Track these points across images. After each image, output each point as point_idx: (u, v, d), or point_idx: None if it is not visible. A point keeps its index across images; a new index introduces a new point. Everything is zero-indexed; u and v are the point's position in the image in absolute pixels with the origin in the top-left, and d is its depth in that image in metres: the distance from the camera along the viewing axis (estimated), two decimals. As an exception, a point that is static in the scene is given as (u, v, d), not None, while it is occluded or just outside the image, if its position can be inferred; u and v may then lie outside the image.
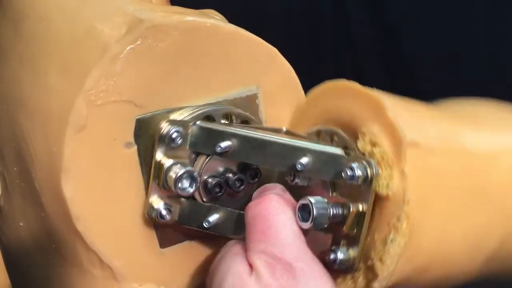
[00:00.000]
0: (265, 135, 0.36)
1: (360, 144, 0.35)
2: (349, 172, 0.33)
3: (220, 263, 0.35)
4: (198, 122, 0.37)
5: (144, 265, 0.38)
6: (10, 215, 0.42)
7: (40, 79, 0.36)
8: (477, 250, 0.36)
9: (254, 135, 0.36)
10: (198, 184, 0.36)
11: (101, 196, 0.36)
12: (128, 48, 0.35)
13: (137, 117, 0.36)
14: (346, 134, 0.36)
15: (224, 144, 0.36)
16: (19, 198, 0.40)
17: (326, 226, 0.33)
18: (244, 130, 0.37)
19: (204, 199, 0.38)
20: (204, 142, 0.37)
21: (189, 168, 0.35)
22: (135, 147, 0.37)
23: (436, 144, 0.35)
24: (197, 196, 0.38)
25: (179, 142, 0.36)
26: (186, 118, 0.37)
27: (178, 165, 0.36)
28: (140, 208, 0.38)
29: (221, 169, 0.38)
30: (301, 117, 0.40)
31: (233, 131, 0.37)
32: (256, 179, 0.39)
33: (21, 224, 0.41)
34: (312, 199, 0.33)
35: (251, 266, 0.33)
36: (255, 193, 0.36)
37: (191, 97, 0.38)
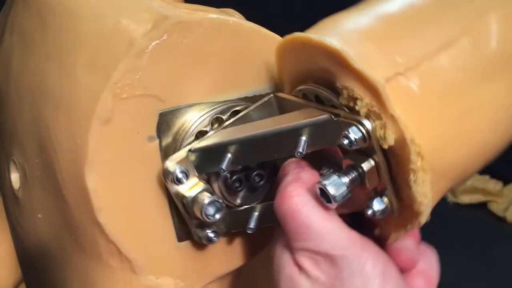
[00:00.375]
0: (257, 131, 0.36)
1: (342, 101, 0.33)
2: (345, 141, 0.32)
3: (273, 262, 0.35)
4: (192, 149, 0.37)
5: (162, 258, 0.39)
6: (28, 207, 0.43)
7: (67, 72, 0.36)
8: (502, 124, 0.34)
9: (247, 136, 0.36)
10: (223, 212, 0.37)
11: (123, 189, 0.37)
12: (154, 43, 0.36)
13: (160, 111, 0.37)
14: (328, 92, 0.34)
15: (225, 163, 0.36)
16: (39, 190, 0.40)
17: (350, 195, 0.33)
18: (237, 136, 0.36)
19: (224, 193, 0.38)
20: (208, 164, 0.37)
21: (210, 198, 0.36)
22: (157, 141, 0.37)
23: (407, 66, 0.31)
24: (217, 191, 0.38)
25: (184, 181, 0.36)
26: (207, 115, 0.38)
27: (200, 196, 0.37)
28: (159, 201, 0.38)
29: (240, 166, 0.38)
30: (283, 78, 0.39)
31: (226, 141, 0.36)
32: (274, 176, 0.39)
33: (39, 216, 0.41)
34: (324, 181, 0.32)
35: (298, 265, 0.34)
36: (278, 181, 0.36)
37: (212, 93, 0.39)
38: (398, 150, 0.32)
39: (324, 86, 0.35)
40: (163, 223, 0.39)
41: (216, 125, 0.38)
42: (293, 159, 0.37)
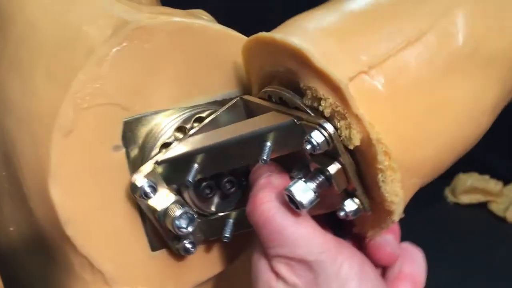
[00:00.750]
0: (221, 139, 0.35)
1: (306, 102, 0.32)
2: (308, 146, 0.31)
3: (251, 271, 0.35)
4: (158, 161, 0.36)
5: (135, 269, 0.38)
6: (1, 220, 0.42)
7: (27, 83, 0.36)
8: (471, 118, 0.33)
9: (211, 145, 0.35)
10: (195, 223, 0.36)
11: (90, 200, 0.36)
12: (114, 50, 0.35)
13: (124, 120, 0.36)
14: (291, 94, 0.34)
15: (191, 174, 0.35)
16: (9, 202, 0.40)
17: (318, 199, 0.32)
18: (202, 145, 0.36)
19: (196, 202, 0.37)
20: (175, 175, 0.36)
21: (182, 210, 0.36)
22: (124, 150, 0.36)
23: (372, 64, 0.31)
24: (188, 200, 0.37)
25: (152, 195, 0.36)
26: (175, 122, 0.37)
27: (171, 209, 0.36)
28: (129, 211, 0.37)
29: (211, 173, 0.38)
30: (250, 79, 0.38)
31: (191, 150, 0.36)
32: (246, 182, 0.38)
33: (11, 229, 0.41)
34: (290, 188, 0.32)
35: (274, 272, 0.33)
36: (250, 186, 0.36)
37: (179, 98, 0.38)
38: (364, 150, 0.31)
39: (289, 87, 0.34)
40: (135, 233, 0.38)
41: (179, 135, 0.37)
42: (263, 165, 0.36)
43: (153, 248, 0.39)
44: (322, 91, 0.31)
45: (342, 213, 0.33)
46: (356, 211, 0.33)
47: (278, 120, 0.33)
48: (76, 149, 0.35)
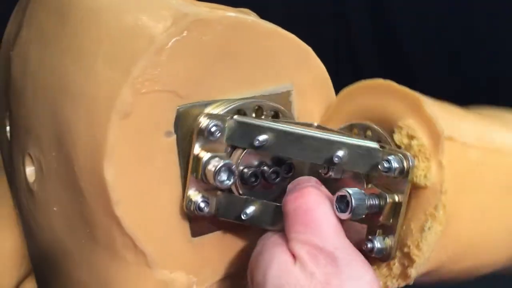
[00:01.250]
0: (301, 129, 0.38)
1: (396, 137, 0.36)
2: (386, 164, 0.34)
3: (262, 253, 0.36)
4: (235, 117, 0.38)
5: (176, 253, 0.39)
6: (43, 200, 0.43)
7: (87, 67, 0.37)
8: (509, 242, 0.37)
9: (291, 129, 0.37)
10: (236, 177, 0.37)
11: (140, 183, 0.37)
12: (173, 40, 0.36)
13: (178, 107, 0.37)
14: (381, 128, 0.38)
15: (262, 137, 0.37)
16: (55, 183, 0.41)
17: (363, 216, 0.34)
18: (280, 124, 0.38)
19: (240, 191, 0.39)
20: (241, 136, 0.38)
21: (227, 161, 0.37)
22: (175, 136, 0.38)
23: (470, 140, 0.36)
24: (233, 188, 0.39)
25: (218, 135, 0.37)
26: (223, 112, 0.38)
27: (216, 158, 0.37)
28: (175, 196, 0.39)
29: (256, 162, 0.39)
30: (334, 114, 0.41)
31: (269, 125, 0.38)
32: (290, 173, 0.40)
33: (54, 209, 0.42)
34: (350, 190, 0.34)
35: (293, 256, 0.34)
36: (290, 185, 0.37)
37: (229, 90, 0.39)
38: (427, 194, 0.35)
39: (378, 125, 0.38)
40: (177, 217, 0.39)
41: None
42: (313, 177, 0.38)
43: (194, 234, 0.40)
44: (420, 132, 0.35)
45: (369, 245, 0.36)
46: (381, 250, 0.35)
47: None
48: (132, 132, 0.36)
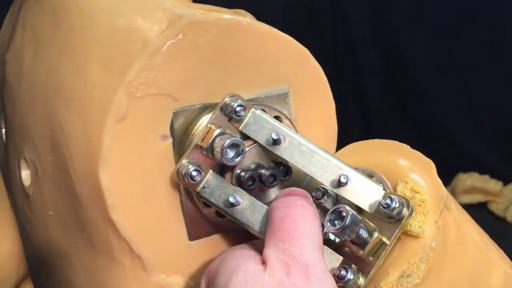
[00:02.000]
0: (314, 144, 0.38)
1: (399, 188, 0.39)
2: (387, 201, 0.35)
3: (227, 261, 0.35)
4: (257, 111, 0.38)
5: (173, 257, 0.39)
6: (39, 204, 0.43)
7: (81, 70, 0.37)
8: None
9: (306, 141, 0.38)
10: (243, 155, 0.37)
11: (136, 187, 0.37)
12: (169, 42, 0.36)
13: (174, 110, 0.37)
14: (385, 177, 0.40)
15: (277, 136, 0.37)
16: (50, 187, 0.41)
17: (348, 239, 0.34)
18: (297, 134, 0.38)
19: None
20: (257, 129, 0.38)
21: (238, 139, 0.36)
22: (171, 139, 0.37)
23: (460, 220, 0.40)
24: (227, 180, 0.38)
25: (241, 115, 0.37)
26: None
27: (227, 135, 0.37)
28: (171, 200, 0.38)
29: (253, 165, 0.39)
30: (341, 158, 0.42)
31: (287, 130, 0.38)
32: (288, 177, 0.39)
33: (50, 213, 0.42)
34: (348, 208, 0.34)
35: (264, 263, 0.34)
36: (284, 192, 0.37)
37: (225, 93, 0.39)
38: (413, 245, 0.38)
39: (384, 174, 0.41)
40: (174, 221, 0.39)
41: None
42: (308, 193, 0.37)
43: (191, 237, 0.40)
44: (425, 190, 0.39)
45: (343, 272, 0.36)
46: (351, 284, 0.36)
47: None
48: (127, 136, 0.36)
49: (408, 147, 0.41)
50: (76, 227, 0.39)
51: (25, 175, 0.44)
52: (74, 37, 0.38)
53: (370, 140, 0.44)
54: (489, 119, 1.72)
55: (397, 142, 0.42)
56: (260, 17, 0.43)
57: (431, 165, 0.40)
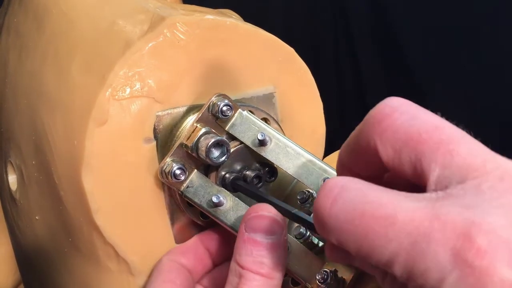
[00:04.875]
0: (301, 147, 0.38)
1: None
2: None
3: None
4: (244, 112, 0.37)
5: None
6: (26, 209, 0.43)
7: (63, 74, 0.36)
8: None
9: (292, 143, 0.37)
10: (228, 155, 0.36)
11: (120, 191, 0.36)
12: (150, 44, 0.35)
13: (157, 113, 0.37)
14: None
15: (263, 137, 0.37)
16: (36, 191, 0.40)
17: None
18: (283, 136, 0.38)
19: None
20: (244, 130, 0.37)
21: (223, 138, 0.36)
22: (154, 142, 0.37)
23: None
24: (212, 180, 0.38)
25: (228, 115, 0.37)
26: None
27: (213, 134, 0.36)
28: (157, 203, 0.38)
29: (238, 167, 0.38)
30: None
31: (273, 132, 0.37)
32: (273, 178, 0.39)
33: (37, 217, 0.41)
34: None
35: None
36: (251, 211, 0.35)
37: (209, 94, 0.38)
38: None
39: None
40: (160, 224, 0.38)
41: None
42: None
43: (177, 241, 0.39)
44: None
45: (324, 275, 0.35)
46: (333, 286, 0.36)
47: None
48: (109, 140, 0.35)
49: None
50: (61, 232, 0.39)
51: (12, 179, 0.43)
52: (56, 40, 0.38)
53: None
54: (489, 119, 1.71)
55: None
56: (260, 17, 0.42)
57: None
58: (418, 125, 0.25)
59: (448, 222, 0.21)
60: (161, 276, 0.36)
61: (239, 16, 0.44)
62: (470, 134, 0.27)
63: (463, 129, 0.27)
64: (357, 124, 0.32)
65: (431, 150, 0.24)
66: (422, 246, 0.22)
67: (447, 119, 0.30)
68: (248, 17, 0.44)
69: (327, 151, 0.45)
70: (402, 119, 0.25)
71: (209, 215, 0.37)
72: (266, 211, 0.34)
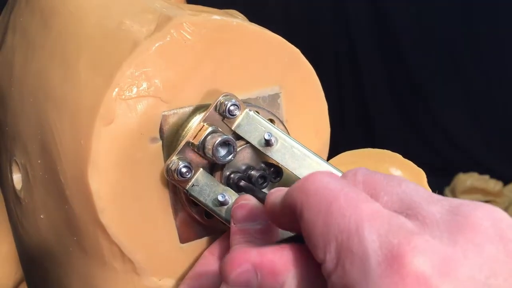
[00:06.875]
0: (306, 148, 0.38)
1: None
2: None
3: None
4: (251, 112, 0.37)
5: (164, 260, 0.39)
6: (31, 208, 0.43)
7: (70, 73, 0.36)
8: None
9: (298, 144, 0.38)
10: (235, 154, 0.36)
11: (126, 190, 0.36)
12: (157, 44, 0.36)
13: (163, 113, 0.37)
14: None
15: (270, 137, 0.37)
16: (41, 190, 0.40)
17: None
18: (290, 137, 0.38)
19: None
20: (250, 129, 0.37)
21: (229, 137, 0.36)
22: (160, 142, 0.37)
23: None
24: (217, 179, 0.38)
25: (235, 114, 0.37)
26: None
27: (220, 133, 0.36)
28: (162, 202, 0.38)
29: (243, 166, 0.38)
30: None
31: (279, 132, 0.38)
32: (278, 178, 0.39)
33: (41, 216, 0.41)
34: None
35: None
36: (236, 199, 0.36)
37: (215, 94, 0.38)
38: None
39: None
40: (165, 224, 0.39)
41: None
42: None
43: (182, 240, 0.39)
44: None
45: None
46: None
47: None
48: (116, 139, 0.35)
49: (400, 156, 0.41)
50: (67, 231, 0.39)
51: (17, 178, 0.43)
52: (63, 40, 0.38)
53: (362, 149, 0.43)
54: (489, 119, 1.72)
55: (389, 152, 0.42)
56: (260, 17, 0.43)
57: (422, 175, 0.40)
58: None
59: None
60: None
61: (244, 17, 0.44)
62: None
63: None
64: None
65: None
66: None
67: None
68: (247, 16, 0.45)
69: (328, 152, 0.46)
70: None
71: (214, 214, 0.37)
72: (244, 199, 0.35)
